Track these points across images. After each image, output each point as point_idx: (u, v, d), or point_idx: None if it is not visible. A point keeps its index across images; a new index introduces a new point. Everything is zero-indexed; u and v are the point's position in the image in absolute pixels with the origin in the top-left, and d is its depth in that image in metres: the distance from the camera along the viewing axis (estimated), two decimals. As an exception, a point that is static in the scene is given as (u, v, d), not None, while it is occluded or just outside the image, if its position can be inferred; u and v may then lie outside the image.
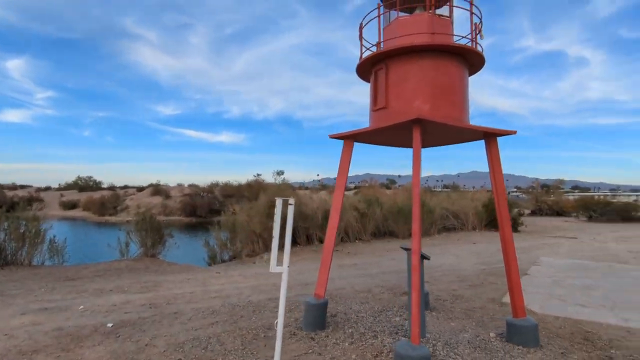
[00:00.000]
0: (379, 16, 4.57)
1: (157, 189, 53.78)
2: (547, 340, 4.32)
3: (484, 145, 4.45)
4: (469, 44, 4.21)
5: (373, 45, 4.69)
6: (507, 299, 6.27)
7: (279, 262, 3.65)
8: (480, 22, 4.26)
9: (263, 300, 6.24)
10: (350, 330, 4.66)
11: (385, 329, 4.67)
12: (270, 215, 12.43)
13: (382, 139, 5.05)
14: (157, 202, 46.01)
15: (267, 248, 12.65)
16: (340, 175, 4.81)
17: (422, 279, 4.41)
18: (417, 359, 3.25)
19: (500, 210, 4.35)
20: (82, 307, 6.11)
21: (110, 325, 5.11)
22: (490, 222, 18.91)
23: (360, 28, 4.66)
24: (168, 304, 6.20)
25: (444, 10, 4.54)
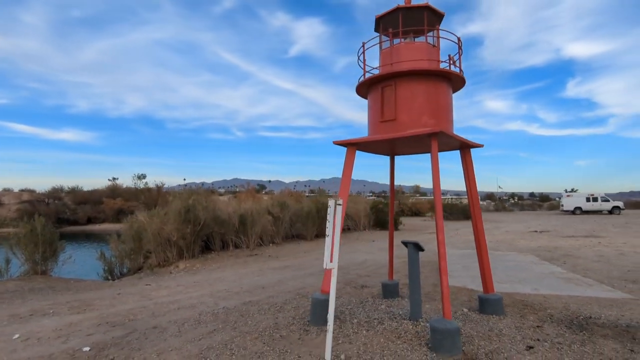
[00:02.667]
0: (380, 43, 5.20)
1: (-20, 195, 43.34)
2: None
3: (460, 155, 5.45)
4: (453, 69, 5.14)
5: (374, 68, 5.29)
6: (451, 281, 7.52)
7: (331, 259, 3.89)
8: (459, 46, 5.22)
9: (239, 306, 6.13)
10: (355, 321, 5.08)
11: (383, 316, 5.23)
12: (186, 221, 11.75)
13: (382, 148, 5.64)
14: (-17, 211, 37.12)
15: (182, 256, 11.89)
16: (344, 179, 5.20)
17: (419, 268, 5.14)
18: (453, 331, 3.92)
19: (474, 210, 5.39)
20: (17, 335, 5.04)
21: (87, 349, 4.43)
22: (377, 222, 21.27)
23: (364, 52, 5.22)
24: (132, 320, 5.58)
25: (422, 39, 5.41)
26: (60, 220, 37.95)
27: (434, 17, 5.17)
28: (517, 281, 7.40)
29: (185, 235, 11.59)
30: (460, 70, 5.10)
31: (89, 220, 40.02)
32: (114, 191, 44.62)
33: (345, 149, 5.25)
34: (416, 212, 38.19)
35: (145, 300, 6.90)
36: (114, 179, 53.93)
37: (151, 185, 40.38)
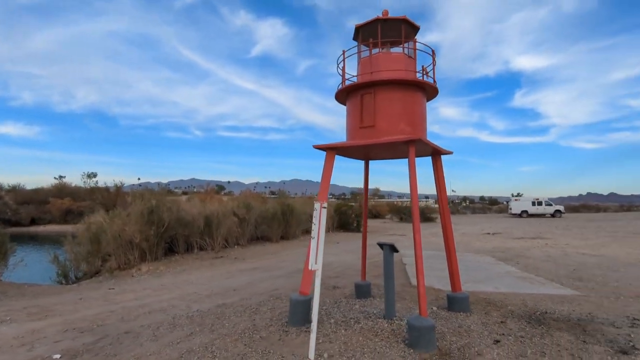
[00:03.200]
0: (359, 52, 5.40)
1: None
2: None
3: (431, 161, 5.75)
4: (427, 79, 5.43)
5: (353, 76, 5.47)
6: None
7: (316, 261, 4.00)
8: (433, 58, 5.51)
9: (213, 308, 6.08)
10: (332, 321, 5.21)
11: (359, 316, 5.40)
12: (150, 222, 11.38)
13: (359, 153, 5.81)
14: None
15: (145, 259, 11.49)
16: (323, 183, 5.32)
17: (393, 268, 5.37)
18: (429, 328, 4.15)
19: (444, 214, 5.70)
20: (-27, 345, 4.71)
21: (57, 356, 4.25)
22: (341, 224, 21.60)
23: (344, 60, 5.40)
24: (101, 326, 5.38)
25: (398, 50, 5.67)
26: (1, 221, 35.12)
27: (410, 30, 5.43)
28: (478, 280, 7.86)
29: (149, 237, 11.20)
30: (434, 80, 5.40)
31: (33, 221, 37.33)
32: (62, 190, 41.85)
33: (325, 152, 5.38)
34: (376, 215, 39.04)
35: (111, 305, 6.65)
36: (60, 177, 50.61)
37: (102, 184, 38.47)
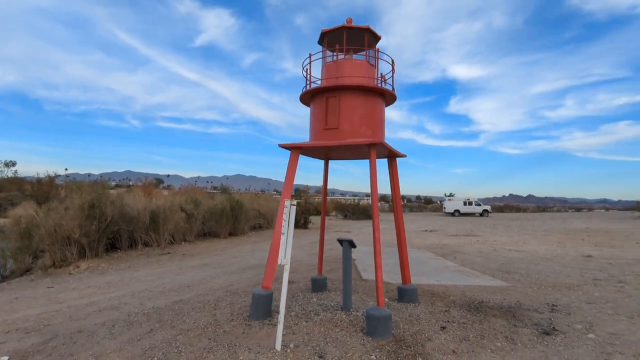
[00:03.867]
0: (324, 57, 5.65)
1: None
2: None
3: (387, 162, 6.15)
4: (386, 86, 5.82)
5: (318, 79, 5.70)
6: (365, 275, 8.29)
7: (285, 256, 4.19)
8: (393, 67, 5.91)
9: (169, 305, 6.01)
10: (293, 314, 5.41)
11: (317, 308, 5.65)
12: (91, 217, 10.76)
13: (321, 153, 6.04)
14: None
15: (84, 255, 10.84)
16: (287, 182, 5.49)
17: (351, 263, 5.69)
18: (386, 317, 4.52)
19: (397, 212, 6.13)
20: None
21: (5, 358, 4.02)
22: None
23: (310, 63, 5.62)
24: (48, 326, 5.12)
25: (360, 56, 6.01)
26: None
27: (372, 39, 5.78)
28: (422, 274, 8.50)
29: (90, 233, 10.56)
30: (393, 88, 5.79)
31: None
32: (41, 184, 37.38)
33: (290, 151, 5.55)
34: (319, 212, 39.75)
35: (54, 304, 6.29)
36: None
37: (23, 174, 34.96)
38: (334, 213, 37.66)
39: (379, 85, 5.61)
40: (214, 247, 13.64)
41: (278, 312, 5.40)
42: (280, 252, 4.20)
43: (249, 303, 6.02)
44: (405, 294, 6.05)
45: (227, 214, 15.65)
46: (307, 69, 5.77)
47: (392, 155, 6.07)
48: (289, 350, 4.14)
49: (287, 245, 4.25)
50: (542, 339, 4.61)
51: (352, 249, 5.76)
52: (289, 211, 4.21)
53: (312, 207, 39.15)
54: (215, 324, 5.02)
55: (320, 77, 5.88)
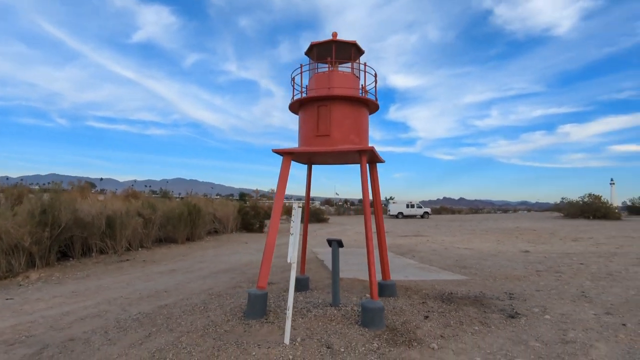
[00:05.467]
0: (316, 68, 5.99)
1: None
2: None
3: (368, 167, 6.61)
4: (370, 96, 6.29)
5: (304, 89, 6.04)
6: (343, 274, 8.67)
7: (293, 256, 4.46)
8: (375, 79, 6.39)
9: (156, 310, 5.96)
10: (286, 312, 5.64)
11: (307, 306, 5.93)
12: (42, 223, 10.05)
13: (306, 158, 6.33)
14: None
15: (34, 264, 10.07)
16: (280, 186, 5.73)
17: (338, 262, 6.05)
18: (380, 309, 4.94)
19: (378, 216, 6.62)
20: None
21: (3, 370, 3.85)
22: (243, 225, 21.62)
23: (301, 73, 5.96)
24: (31, 337, 4.89)
25: (344, 68, 6.44)
26: None
27: (357, 52, 6.23)
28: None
29: (41, 240, 9.83)
30: (376, 98, 6.28)
31: None
32: None
33: (282, 157, 5.81)
34: (269, 216, 39.70)
35: (24, 316, 5.92)
36: None
37: None
38: (284, 217, 37.78)
39: (367, 96, 6.05)
40: (173, 252, 13.27)
41: (272, 311, 5.65)
42: (289, 252, 4.46)
43: (239, 304, 6.17)
44: (385, 288, 6.54)
45: (185, 218, 15.27)
46: (294, 79, 6.07)
47: (373, 161, 6.55)
48: (297, 344, 4.41)
49: (295, 245, 4.52)
50: (509, 322, 5.32)
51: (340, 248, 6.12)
52: (298, 214, 4.48)
53: (262, 211, 38.99)
54: (213, 324, 5.11)
55: (306, 87, 6.21)
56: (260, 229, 22.40)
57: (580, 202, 35.78)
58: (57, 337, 4.80)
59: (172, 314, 5.69)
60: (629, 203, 43.53)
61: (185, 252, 13.23)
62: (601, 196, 35.87)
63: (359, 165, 6.25)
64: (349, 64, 6.34)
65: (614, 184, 50.38)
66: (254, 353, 4.17)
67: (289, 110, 6.39)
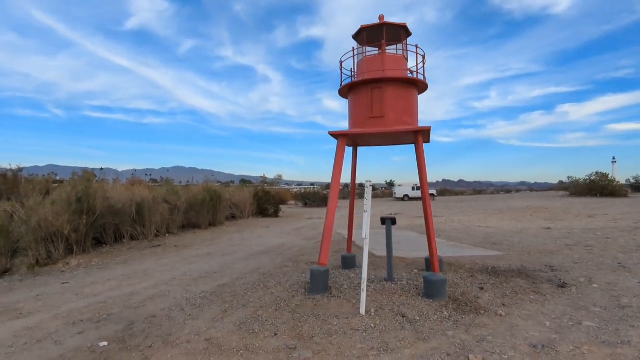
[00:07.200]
0: (364, 52, 6.10)
1: None
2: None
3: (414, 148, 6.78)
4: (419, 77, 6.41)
5: (356, 74, 6.16)
6: (377, 253, 8.92)
7: (367, 232, 4.67)
8: (424, 59, 6.50)
9: (217, 288, 6.20)
10: (345, 287, 5.89)
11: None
12: (79, 211, 10.26)
13: (359, 140, 6.49)
14: None
15: (72, 251, 10.32)
16: (336, 169, 5.91)
17: (391, 239, 6.28)
18: (443, 281, 5.19)
19: (425, 196, 6.79)
20: None
21: (105, 344, 4.10)
22: (259, 210, 21.87)
23: (354, 56, 6.08)
24: (110, 315, 5.13)
25: (393, 50, 6.54)
26: None
27: (405, 35, 6.33)
28: (422, 249, 9.34)
29: (79, 228, 10.05)
30: (425, 78, 6.40)
31: None
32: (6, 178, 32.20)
33: (337, 140, 5.97)
34: (280, 201, 39.94)
35: (90, 297, 6.15)
36: None
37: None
38: (292, 202, 38.11)
39: (418, 77, 6.18)
40: (200, 237, 13.51)
41: (333, 287, 5.89)
42: (364, 228, 4.66)
43: (295, 281, 6.42)
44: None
45: (208, 204, 15.49)
46: (342, 63, 6.19)
47: (419, 137, 6.70)
48: (373, 314, 4.65)
49: (367, 222, 4.72)
50: (561, 291, 5.57)
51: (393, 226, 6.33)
52: (369, 192, 4.67)
53: (271, 197, 39.24)
54: (281, 300, 5.36)
55: (356, 70, 6.32)
56: (276, 214, 22.66)
57: (587, 180, 36.07)
58: (139, 315, 5.04)
59: (236, 292, 5.93)
60: (632, 181, 43.84)
61: (212, 237, 13.47)
62: (608, 174, 36.15)
63: (373, 147, 6.40)
64: (394, 46, 6.45)
65: (615, 162, 50.68)
66: (335, 323, 4.42)
67: (337, 95, 6.50)
